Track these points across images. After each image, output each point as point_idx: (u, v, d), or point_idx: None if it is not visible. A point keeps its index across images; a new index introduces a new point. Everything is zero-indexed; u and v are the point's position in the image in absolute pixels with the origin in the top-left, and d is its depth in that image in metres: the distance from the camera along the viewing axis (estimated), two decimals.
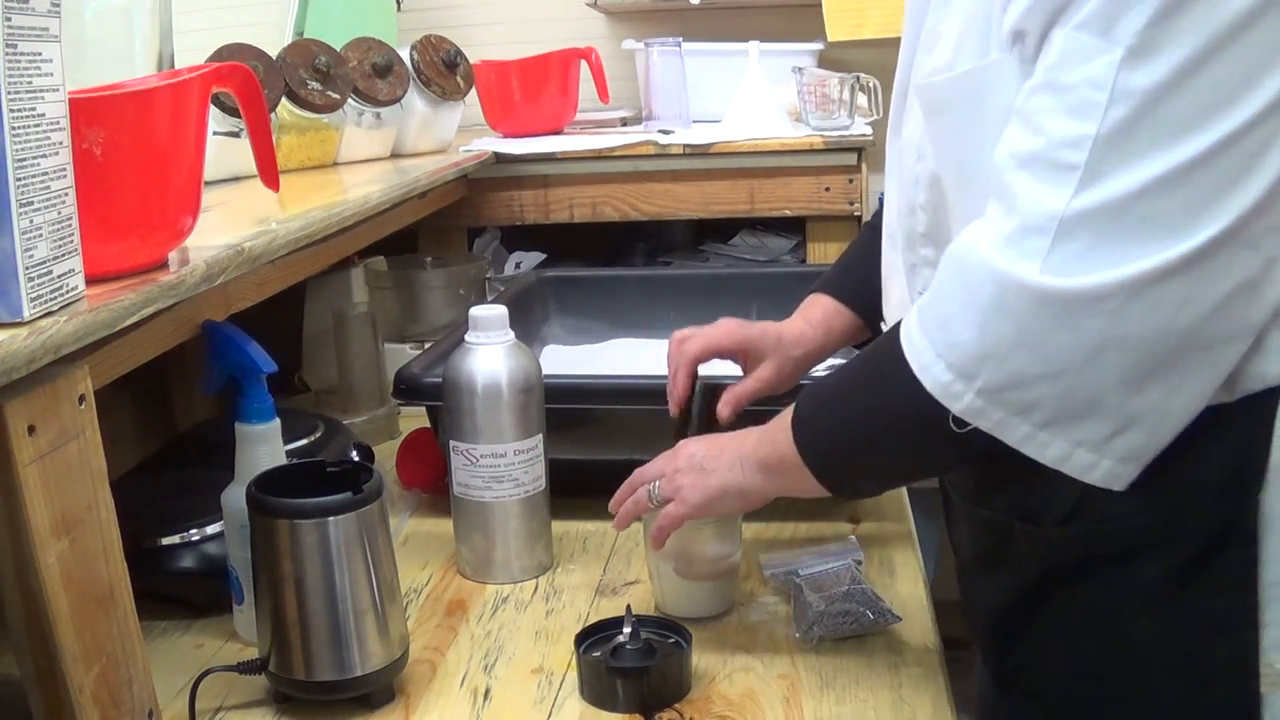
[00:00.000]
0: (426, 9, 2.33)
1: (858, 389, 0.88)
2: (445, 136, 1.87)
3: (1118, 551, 0.81)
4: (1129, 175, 0.69)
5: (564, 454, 1.20)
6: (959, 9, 0.81)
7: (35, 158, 0.67)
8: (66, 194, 0.71)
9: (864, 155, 1.82)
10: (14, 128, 0.65)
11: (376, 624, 0.92)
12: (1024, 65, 0.75)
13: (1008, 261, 0.72)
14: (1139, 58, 0.67)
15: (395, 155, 1.80)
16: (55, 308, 0.71)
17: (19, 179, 0.66)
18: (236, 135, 1.34)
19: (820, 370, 1.20)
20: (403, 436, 1.42)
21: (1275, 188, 0.69)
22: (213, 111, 1.10)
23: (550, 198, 1.90)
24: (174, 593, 1.09)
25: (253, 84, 0.92)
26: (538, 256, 2.07)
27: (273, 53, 1.50)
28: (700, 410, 1.12)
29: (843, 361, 1.35)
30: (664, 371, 1.15)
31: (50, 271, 0.70)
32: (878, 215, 1.05)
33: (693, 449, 0.98)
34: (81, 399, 0.77)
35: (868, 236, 1.10)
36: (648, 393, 1.19)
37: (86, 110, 0.76)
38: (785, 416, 0.91)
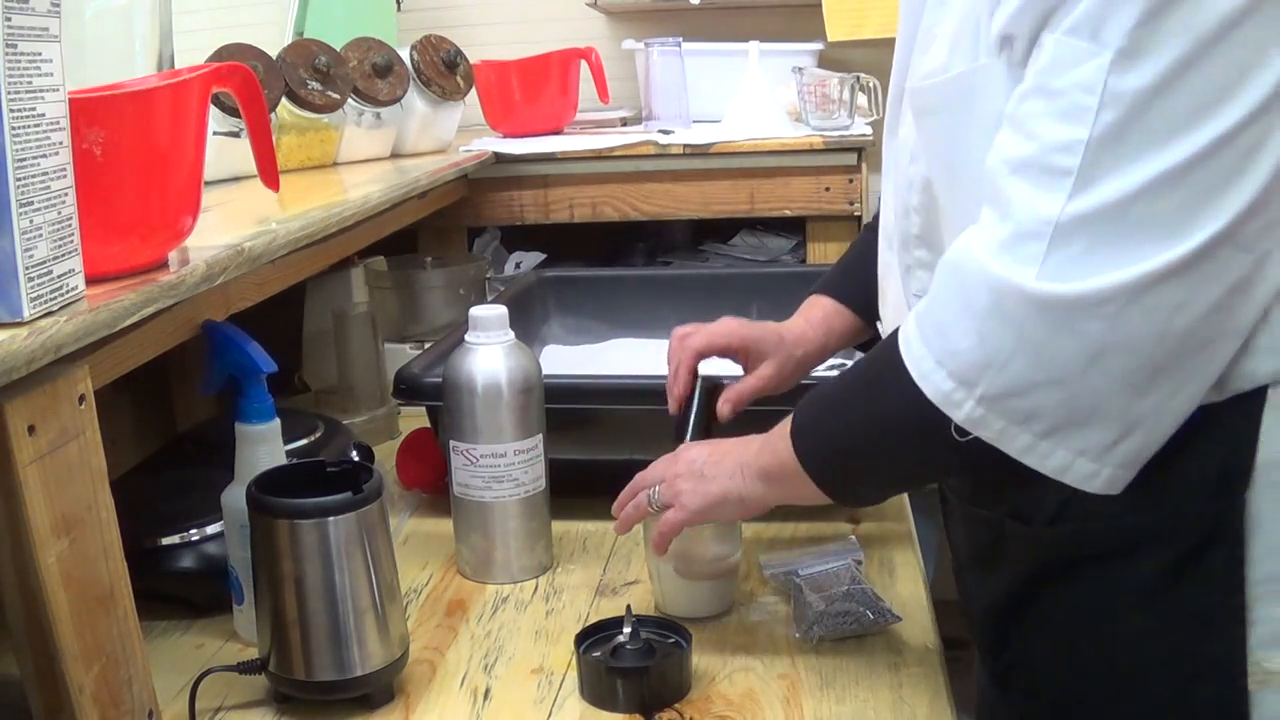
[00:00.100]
0: (426, 9, 2.33)
1: (857, 396, 0.88)
2: (445, 136, 1.87)
3: (1107, 550, 0.81)
4: (1123, 178, 0.69)
5: (564, 454, 1.20)
6: (953, 11, 0.81)
7: (35, 158, 0.67)
8: (66, 194, 0.71)
9: (864, 155, 1.82)
10: (14, 128, 0.65)
11: (376, 624, 0.92)
12: (1012, 69, 0.75)
13: (1003, 268, 0.72)
14: (1128, 60, 0.67)
15: (395, 155, 1.80)
16: (55, 308, 0.71)
17: (19, 179, 0.66)
18: (236, 135, 1.34)
19: (822, 370, 1.20)
20: (403, 436, 1.42)
21: (1268, 187, 0.69)
22: (213, 111, 1.10)
23: (550, 198, 1.90)
24: (174, 593, 1.09)
25: (253, 84, 0.92)
26: (538, 256, 2.07)
27: (273, 53, 1.50)
28: (700, 408, 1.11)
29: (844, 362, 1.36)
30: (664, 371, 1.15)
31: (50, 271, 0.70)
32: (878, 216, 1.05)
33: (693, 454, 0.98)
34: (81, 399, 0.77)
35: (868, 237, 1.10)
36: (648, 393, 1.19)
37: (86, 110, 0.76)
38: (786, 424, 0.91)
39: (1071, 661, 0.85)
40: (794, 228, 2.01)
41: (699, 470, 0.96)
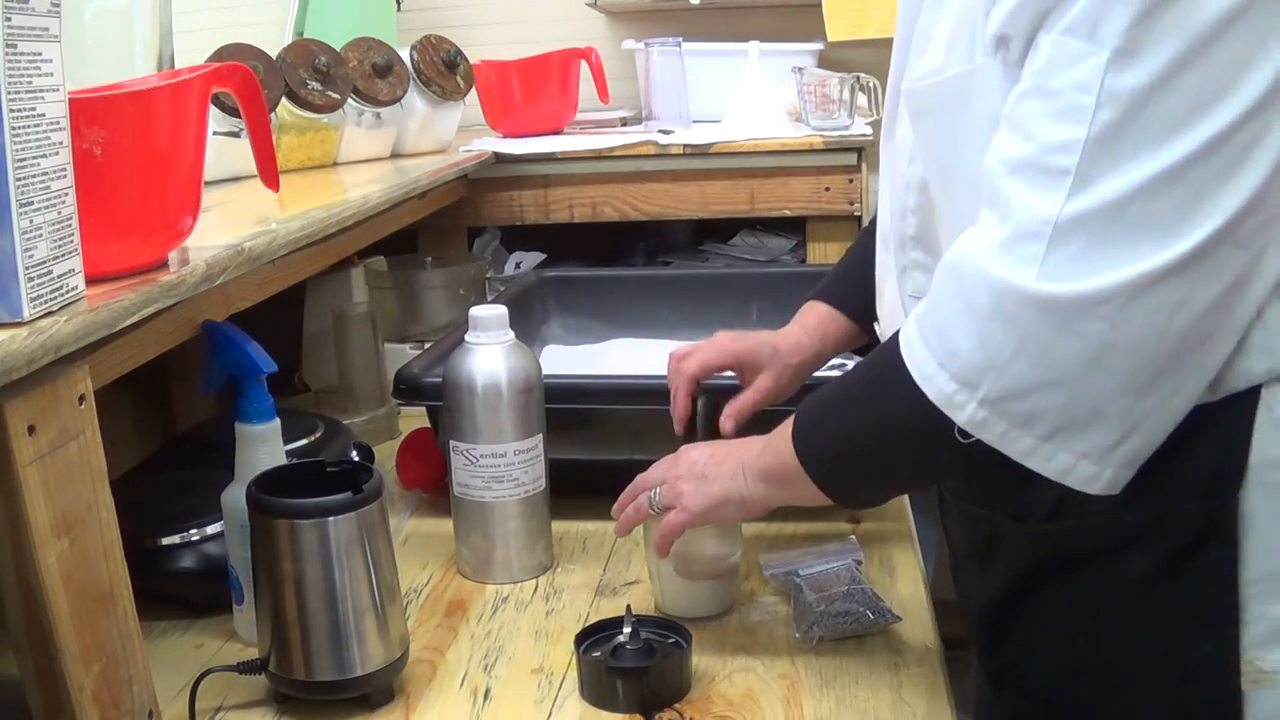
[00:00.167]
0: (426, 9, 2.33)
1: (859, 399, 0.88)
2: (445, 136, 1.87)
3: (1101, 548, 0.81)
4: (1121, 177, 0.69)
5: (564, 454, 1.20)
6: (950, 12, 0.81)
7: (35, 158, 0.67)
8: (66, 194, 0.71)
9: (864, 155, 1.82)
10: (14, 128, 0.65)
11: (376, 624, 0.92)
12: (1008, 70, 0.75)
13: (1003, 268, 0.72)
14: (1125, 59, 0.67)
15: (395, 155, 1.80)
16: (55, 308, 0.71)
17: (19, 179, 0.66)
18: (236, 135, 1.34)
19: (822, 371, 1.20)
20: (403, 436, 1.42)
21: (1266, 184, 0.69)
22: (213, 111, 1.10)
23: (550, 198, 1.90)
24: (174, 593, 1.09)
25: (253, 84, 0.92)
26: (538, 256, 2.07)
27: (273, 53, 1.50)
28: (704, 426, 1.13)
29: (844, 363, 1.36)
30: (664, 371, 1.15)
31: (50, 271, 0.70)
32: (875, 219, 1.05)
33: (694, 456, 0.98)
34: (81, 399, 0.77)
35: (865, 241, 1.10)
36: (648, 393, 1.19)
37: (86, 110, 0.76)
38: (787, 426, 0.91)
39: (1066, 660, 0.86)
40: (794, 228, 2.01)
41: (700, 472, 0.96)
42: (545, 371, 1.16)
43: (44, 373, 0.71)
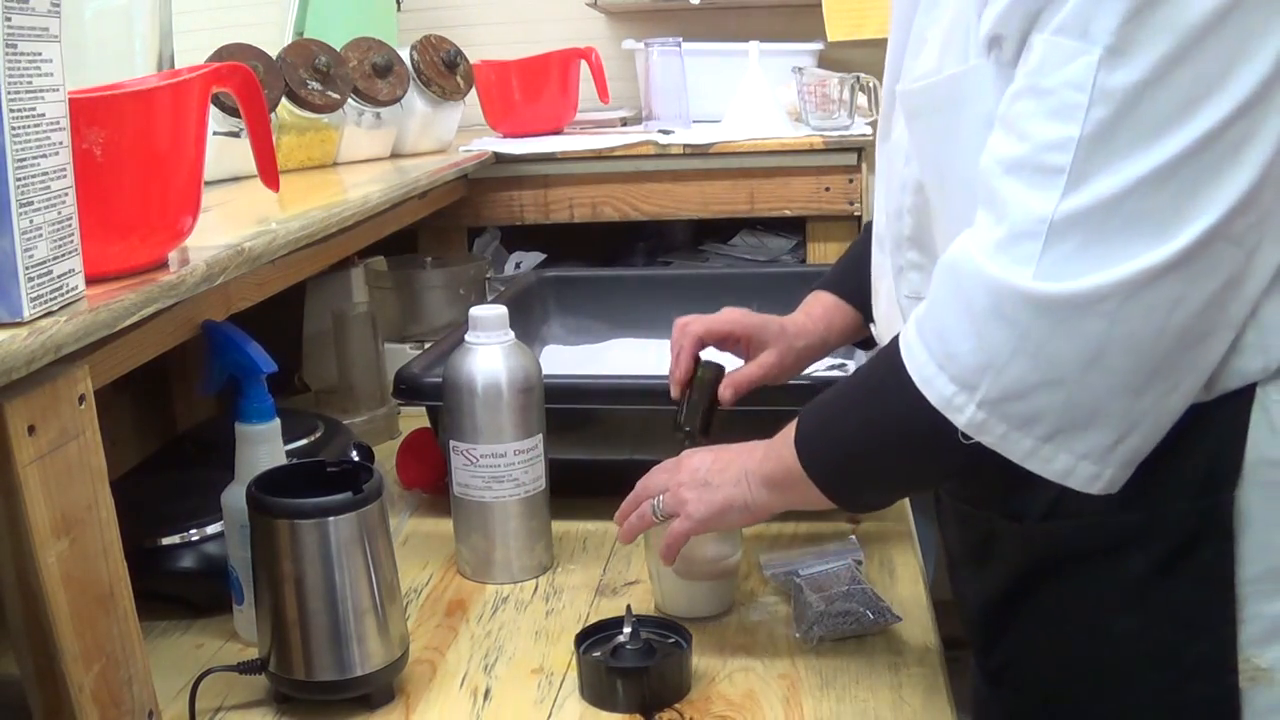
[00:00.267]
0: (426, 9, 2.33)
1: (860, 403, 0.88)
2: (445, 136, 1.87)
3: (1097, 548, 0.82)
4: (1115, 175, 0.69)
5: (564, 454, 1.20)
6: (945, 14, 0.81)
7: (35, 158, 0.67)
8: (66, 194, 0.71)
9: (864, 155, 1.82)
10: (14, 128, 0.65)
11: (376, 624, 0.92)
12: (1001, 70, 0.75)
13: (1000, 268, 0.72)
14: (1117, 57, 0.67)
15: (395, 155, 1.80)
16: (55, 308, 0.71)
17: (19, 179, 0.66)
18: (236, 135, 1.35)
19: (821, 370, 1.20)
20: (403, 436, 1.42)
21: (1259, 181, 0.69)
22: (213, 111, 1.10)
23: (550, 198, 1.90)
24: (174, 593, 1.09)
25: (253, 84, 0.92)
26: (538, 256, 2.07)
27: (273, 53, 1.50)
28: (702, 392, 1.11)
29: (843, 362, 1.36)
30: (664, 372, 1.15)
31: (50, 271, 0.70)
32: None
33: (696, 462, 0.98)
34: (81, 399, 0.77)
35: (869, 235, 1.10)
36: (648, 393, 1.19)
37: (86, 110, 0.76)
38: (789, 431, 0.91)
39: (1063, 659, 0.86)
40: (794, 228, 2.01)
41: (703, 479, 0.96)
42: (545, 371, 1.16)
43: (44, 373, 0.71)
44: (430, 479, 1.34)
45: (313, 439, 1.27)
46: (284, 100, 1.50)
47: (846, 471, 0.88)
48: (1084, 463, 0.74)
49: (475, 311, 1.13)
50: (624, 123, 2.15)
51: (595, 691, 0.93)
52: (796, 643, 1.01)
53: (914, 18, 0.86)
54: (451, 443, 1.14)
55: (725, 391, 1.11)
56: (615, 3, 2.30)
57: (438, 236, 1.96)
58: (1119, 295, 0.70)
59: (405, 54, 1.75)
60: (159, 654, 1.02)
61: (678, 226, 2.15)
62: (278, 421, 1.03)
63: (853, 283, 1.15)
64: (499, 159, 1.86)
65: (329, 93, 1.54)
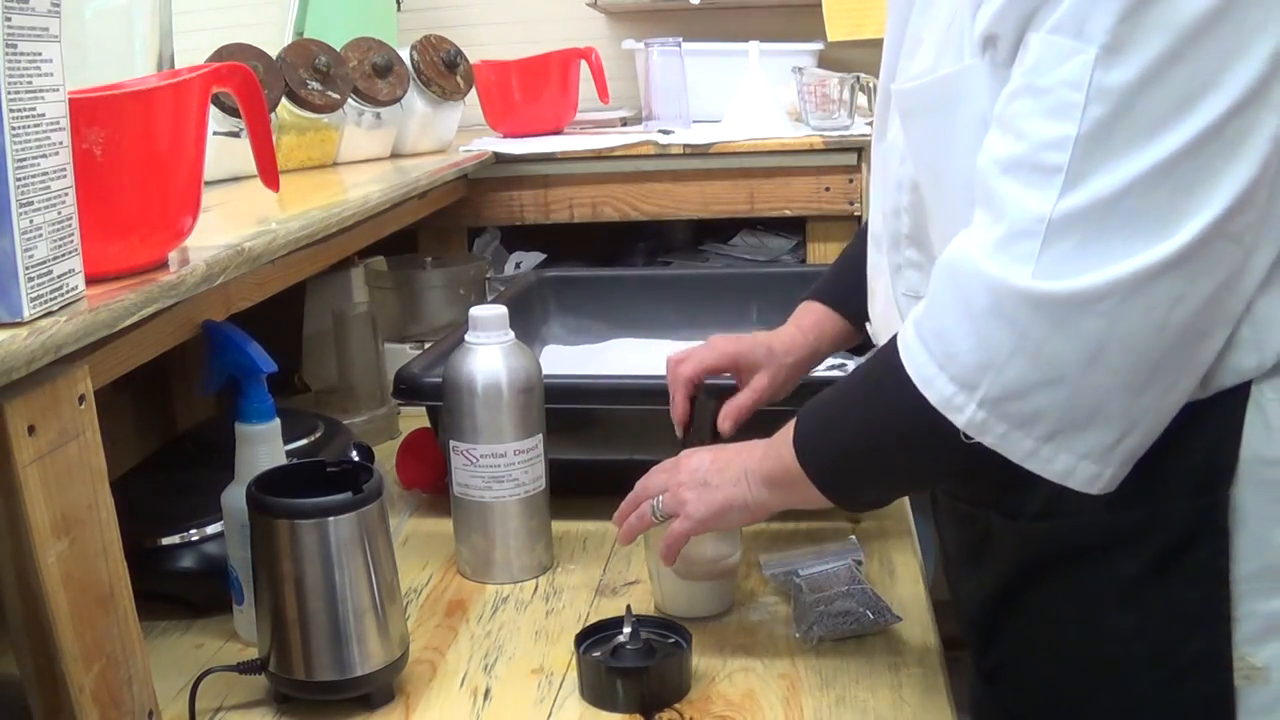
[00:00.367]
0: (426, 9, 2.33)
1: (859, 402, 0.88)
2: (445, 136, 1.87)
3: (1093, 546, 0.82)
4: (1112, 173, 0.69)
5: (564, 454, 1.20)
6: (940, 15, 0.81)
7: (35, 158, 0.67)
8: (66, 194, 0.71)
9: (864, 155, 1.82)
10: (14, 128, 0.65)
11: (376, 624, 0.92)
12: (996, 70, 0.76)
13: (999, 267, 0.72)
14: (1113, 55, 0.67)
15: (395, 155, 1.80)
16: (55, 308, 0.71)
17: (19, 179, 0.66)
18: (236, 135, 1.35)
19: (821, 370, 1.20)
20: (403, 436, 1.42)
21: (1256, 179, 0.69)
22: (213, 111, 1.10)
23: (550, 198, 1.90)
24: (174, 593, 1.09)
25: (253, 84, 0.92)
26: (538, 256, 2.07)
27: (273, 53, 1.50)
28: (701, 427, 1.13)
29: (843, 362, 1.36)
30: (664, 371, 1.15)
31: (50, 271, 0.70)
32: None
33: (695, 462, 0.98)
34: (81, 399, 0.77)
35: (860, 241, 1.11)
36: (648, 393, 1.19)
37: (86, 110, 0.76)
38: (788, 431, 0.91)
39: (1060, 657, 0.86)
40: (794, 228, 2.01)
41: (702, 479, 0.96)
42: (545, 371, 1.16)
43: (44, 373, 0.71)
44: (430, 479, 1.34)
45: (313, 439, 1.27)
46: (284, 100, 1.50)
47: (845, 471, 0.88)
48: (1085, 462, 0.74)
49: (475, 311, 1.13)
50: (624, 123, 2.15)
51: (595, 691, 0.93)
52: (796, 643, 1.01)
53: (909, 17, 0.86)
54: (451, 443, 1.14)
55: (724, 424, 1.12)
56: (615, 3, 2.30)
57: (438, 236, 1.96)
58: (1118, 294, 0.70)
59: (405, 54, 1.75)
60: (159, 654, 1.02)
61: (678, 226, 2.15)
62: (278, 421, 1.03)
63: (844, 290, 1.15)
64: (499, 159, 1.86)
65: (329, 93, 1.54)
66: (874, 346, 1.10)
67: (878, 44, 0.94)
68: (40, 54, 0.67)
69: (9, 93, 0.64)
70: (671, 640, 0.97)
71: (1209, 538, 0.77)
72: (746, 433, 0.97)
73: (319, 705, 0.93)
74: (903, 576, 1.13)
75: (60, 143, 0.70)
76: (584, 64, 2.05)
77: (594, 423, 1.27)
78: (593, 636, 0.98)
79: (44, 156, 0.68)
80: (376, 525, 0.92)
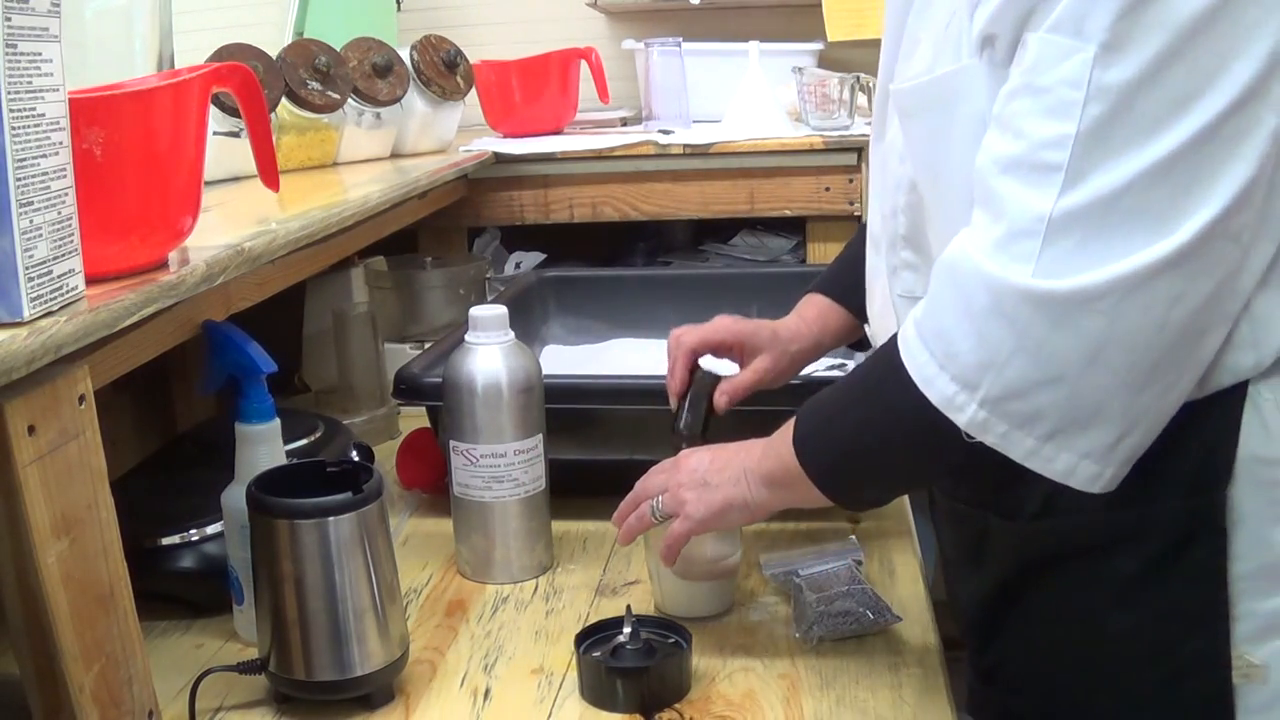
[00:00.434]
0: (426, 9, 2.33)
1: (859, 402, 0.88)
2: (445, 136, 1.87)
3: (1091, 545, 0.82)
4: (1112, 171, 0.69)
5: (564, 454, 1.20)
6: (937, 15, 0.81)
7: (35, 158, 0.67)
8: (66, 194, 0.71)
9: (864, 155, 1.82)
10: (14, 128, 0.65)
11: (376, 624, 0.92)
12: (994, 70, 0.76)
13: (999, 267, 0.72)
14: (1112, 54, 0.67)
15: (395, 155, 1.80)
16: (55, 308, 0.71)
17: (19, 179, 0.66)
18: (236, 135, 1.35)
19: (821, 370, 1.20)
20: (403, 436, 1.42)
21: (1255, 177, 0.69)
22: (213, 111, 1.10)
23: (550, 198, 1.90)
24: (174, 593, 1.09)
25: (253, 84, 0.92)
26: (538, 256, 2.07)
27: (273, 53, 1.50)
28: (698, 400, 1.12)
29: (842, 362, 1.36)
30: (664, 371, 1.15)
31: (50, 271, 0.70)
32: None
33: (695, 462, 0.98)
34: (81, 399, 0.77)
35: (863, 236, 1.11)
36: (648, 393, 1.19)
37: (86, 110, 0.76)
38: (787, 430, 0.91)
39: (1058, 657, 0.86)
40: (794, 228, 2.01)
41: (702, 479, 0.96)
42: (545, 371, 1.16)
43: (44, 373, 0.71)
44: (430, 479, 1.34)
45: (313, 439, 1.27)
46: (284, 100, 1.50)
47: (845, 470, 0.88)
48: (1085, 462, 0.74)
49: (475, 311, 1.13)
50: (624, 123, 2.15)
51: (595, 691, 0.93)
52: (796, 643, 1.01)
53: (907, 17, 0.86)
54: (451, 443, 1.14)
55: (720, 399, 1.11)
56: (615, 3, 2.30)
57: (438, 236, 1.96)
58: (1118, 292, 0.70)
59: (405, 54, 1.75)
60: (159, 654, 1.02)
61: (678, 226, 2.15)
62: (278, 421, 1.03)
63: (846, 284, 1.15)
64: (499, 159, 1.86)
65: (329, 93, 1.54)
66: (871, 345, 1.11)
67: (878, 44, 0.94)
68: (40, 54, 0.67)
69: (9, 93, 0.64)
70: (671, 640, 0.97)
71: (1207, 537, 0.77)
72: (746, 434, 0.97)
73: (319, 705, 0.93)
74: (903, 576, 1.13)
75: (60, 143, 0.70)
76: (584, 64, 2.05)
77: (594, 423, 1.27)
78: (593, 636, 0.98)
79: (44, 156, 0.68)
80: (376, 525, 0.92)
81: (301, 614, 0.90)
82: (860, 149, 1.81)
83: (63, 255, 0.71)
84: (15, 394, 0.70)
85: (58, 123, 0.70)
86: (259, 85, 0.93)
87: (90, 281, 0.76)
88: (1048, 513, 0.83)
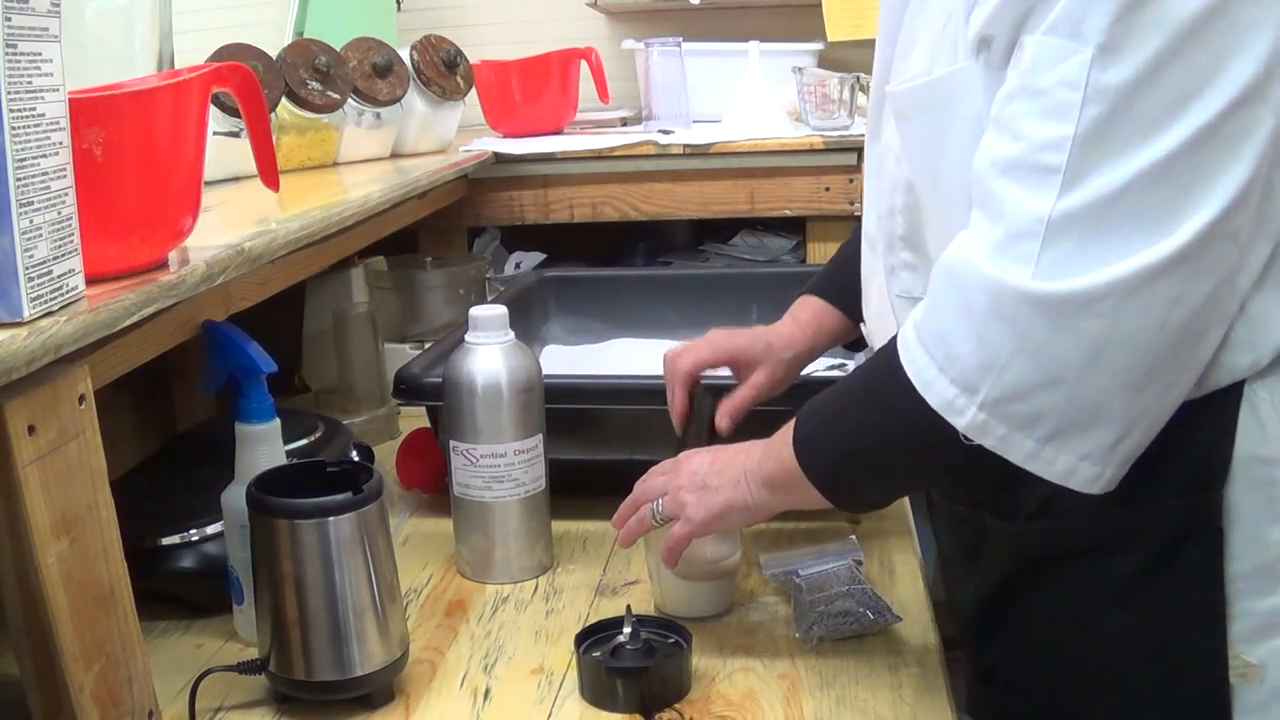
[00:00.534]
0: (426, 9, 2.33)
1: (858, 403, 0.88)
2: (445, 136, 1.87)
3: (1088, 545, 0.82)
4: (1111, 173, 0.69)
5: (564, 454, 1.20)
6: (933, 16, 0.81)
7: (35, 158, 0.67)
8: (66, 194, 0.71)
9: (863, 155, 1.82)
10: (14, 128, 0.65)
11: (376, 624, 0.92)
12: (990, 72, 0.76)
13: (999, 269, 0.72)
14: (1109, 55, 0.67)
15: (395, 155, 1.80)
16: (55, 308, 0.71)
17: (19, 179, 0.66)
18: (236, 135, 1.34)
19: (820, 370, 1.20)
20: (403, 436, 1.42)
21: (1254, 177, 0.69)
22: (213, 111, 1.10)
23: (550, 198, 1.90)
24: (174, 593, 1.09)
25: (253, 84, 0.92)
26: (538, 256, 2.07)
27: (273, 53, 1.50)
28: (702, 422, 1.13)
29: (842, 362, 1.36)
30: (664, 371, 1.15)
31: (50, 271, 0.70)
32: None
33: (695, 464, 0.97)
34: (81, 399, 0.77)
35: (857, 237, 1.11)
36: (648, 393, 1.19)
37: (86, 110, 0.76)
38: (787, 432, 0.91)
39: (1055, 656, 0.86)
40: (794, 228, 2.01)
41: (702, 481, 0.96)
42: (545, 371, 1.16)
43: (44, 373, 0.71)
44: (430, 479, 1.34)
45: (313, 439, 1.27)
46: (284, 100, 1.50)
47: (845, 472, 0.88)
48: (1085, 463, 0.74)
49: (475, 311, 1.13)
50: (624, 123, 2.15)
51: (595, 691, 0.93)
52: (796, 643, 1.01)
53: (903, 18, 0.86)
54: (451, 443, 1.14)
55: (722, 421, 1.12)
56: (615, 3, 2.30)
57: (438, 236, 1.96)
58: (1118, 293, 0.70)
59: (405, 54, 1.75)
60: (159, 654, 1.02)
61: (678, 226, 2.15)
62: (278, 421, 1.03)
63: (841, 286, 1.15)
64: (499, 159, 1.86)
65: (329, 93, 1.54)
66: (867, 345, 1.10)
67: None
68: (40, 54, 0.67)
69: (9, 93, 0.64)
70: (671, 640, 0.97)
71: (1203, 537, 0.77)
72: (746, 433, 0.97)
73: (319, 705, 0.93)
74: (902, 576, 1.13)
75: (60, 143, 0.70)
76: (584, 64, 2.05)
77: (594, 423, 1.27)
78: (593, 636, 0.98)
79: (44, 156, 0.68)
80: (376, 525, 0.92)
81: (301, 614, 0.90)
82: (860, 149, 1.81)
83: (63, 255, 0.71)
84: (15, 394, 0.70)
85: (58, 123, 0.70)
86: (259, 85, 0.93)
87: (90, 281, 0.76)
88: (1045, 513, 0.83)
